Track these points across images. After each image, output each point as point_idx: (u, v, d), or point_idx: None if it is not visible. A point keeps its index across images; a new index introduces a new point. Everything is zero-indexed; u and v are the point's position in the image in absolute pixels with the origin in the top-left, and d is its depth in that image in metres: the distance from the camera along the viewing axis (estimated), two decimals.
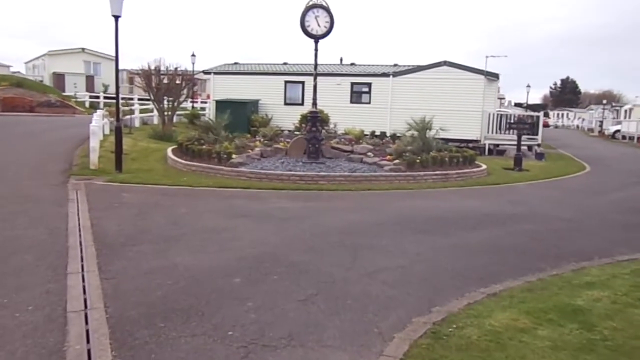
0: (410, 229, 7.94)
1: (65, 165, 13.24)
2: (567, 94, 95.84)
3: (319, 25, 13.53)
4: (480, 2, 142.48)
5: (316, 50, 13.78)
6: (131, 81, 41.83)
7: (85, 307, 4.53)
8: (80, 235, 6.80)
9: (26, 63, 53.34)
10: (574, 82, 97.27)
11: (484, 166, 15.56)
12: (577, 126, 64.27)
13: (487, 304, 4.84)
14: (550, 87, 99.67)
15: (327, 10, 13.51)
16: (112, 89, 43.24)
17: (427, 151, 14.76)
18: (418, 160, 14.03)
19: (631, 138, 39.02)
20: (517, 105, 59.75)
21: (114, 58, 42.30)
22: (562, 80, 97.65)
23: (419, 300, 4.93)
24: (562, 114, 77.69)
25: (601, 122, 53.27)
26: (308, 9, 13.46)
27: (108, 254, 6.04)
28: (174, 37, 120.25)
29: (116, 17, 12.33)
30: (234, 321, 4.31)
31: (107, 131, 19.49)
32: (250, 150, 14.89)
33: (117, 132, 12.84)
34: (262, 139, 16.73)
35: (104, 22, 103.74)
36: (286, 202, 9.91)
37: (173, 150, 15.90)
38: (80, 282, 5.13)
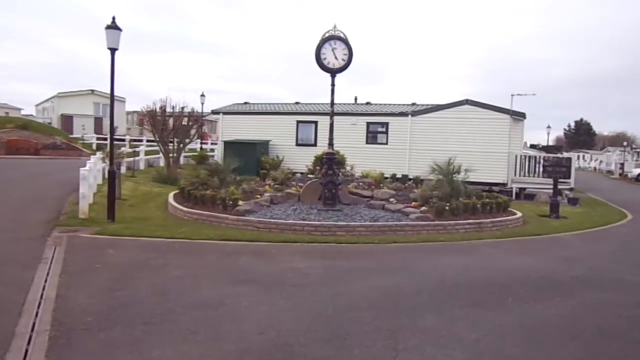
0: (458, 299, 6.30)
1: (52, 214, 11.82)
2: (581, 136, 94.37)
3: (336, 58, 12.26)
4: (486, 44, 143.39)
5: (333, 85, 12.48)
6: (141, 122, 41.19)
7: None
8: (36, 315, 5.25)
9: (36, 105, 53.28)
10: (588, 124, 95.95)
11: (519, 214, 13.91)
12: (595, 168, 62.53)
13: None
14: (565, 129, 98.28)
15: (345, 41, 12.27)
16: (120, 131, 42.58)
17: (456, 197, 13.19)
18: (447, 208, 12.45)
19: None
20: (533, 146, 58.35)
21: (123, 99, 41.63)
22: (576, 122, 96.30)
23: None
24: (578, 156, 76.15)
25: (622, 164, 51.51)
26: (324, 40, 12.24)
27: (63, 347, 4.47)
28: (186, 76, 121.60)
29: (112, 50, 11.17)
30: None
31: (106, 175, 18.21)
32: (259, 196, 13.42)
33: (110, 178, 11.45)
34: (272, 183, 15.29)
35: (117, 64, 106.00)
36: (300, 261, 8.32)
37: (175, 195, 14.48)
38: None
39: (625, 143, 57.80)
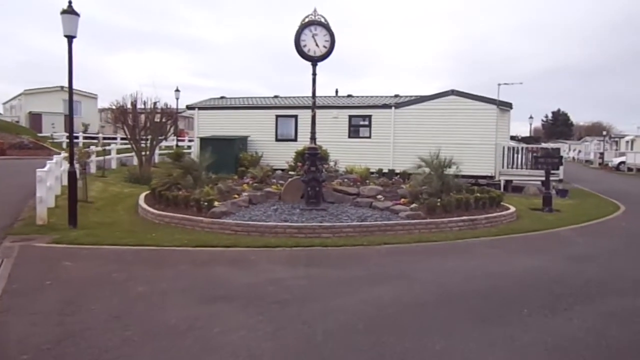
0: (467, 313, 5.47)
1: (6, 220, 10.67)
2: (559, 126, 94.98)
3: (317, 45, 11.33)
4: (466, 38, 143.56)
5: (314, 74, 11.54)
6: (116, 120, 39.54)
7: None
8: None
9: (4, 104, 51.17)
10: (565, 115, 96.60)
11: (513, 208, 13.21)
12: (574, 158, 62.86)
13: None
14: (542, 120, 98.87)
15: (326, 27, 11.33)
16: (92, 128, 40.99)
17: (447, 192, 12.42)
18: (439, 204, 11.66)
19: (639, 170, 37.32)
20: (512, 138, 58.23)
21: (95, 96, 39.71)
22: (554, 113, 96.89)
23: None
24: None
25: (601, 153, 51.70)
26: (304, 26, 11.29)
27: None
28: (163, 73, 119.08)
29: (70, 38, 10.07)
30: None
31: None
32: (236, 196, 12.44)
33: (70, 179, 10.37)
34: (250, 181, 14.31)
35: (86, 60, 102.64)
36: (283, 269, 7.41)
37: (146, 196, 13.42)
38: None
39: (604, 133, 58.10)
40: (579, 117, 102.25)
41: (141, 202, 12.79)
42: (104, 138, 35.44)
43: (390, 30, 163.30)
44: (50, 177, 12.10)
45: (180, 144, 36.82)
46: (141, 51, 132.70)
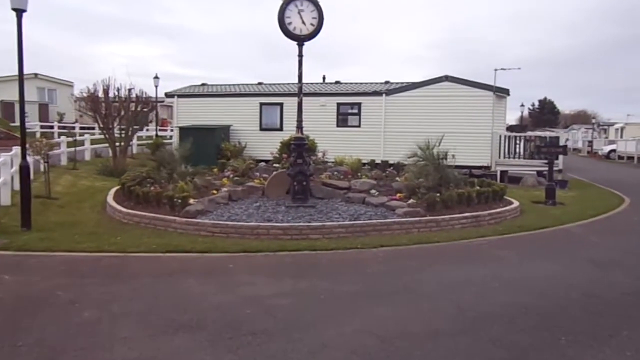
0: (493, 345, 4.37)
1: None
2: (545, 114, 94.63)
3: (303, 22, 10.09)
4: (445, 25, 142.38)
5: (300, 56, 10.31)
6: (92, 109, 37.81)
7: None
8: None
9: None
10: (552, 103, 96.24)
11: (516, 202, 12.19)
12: None
13: None
14: (529, 108, 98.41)
15: (314, 2, 10.08)
16: (68, 118, 39.24)
17: (446, 185, 11.36)
18: (438, 199, 10.58)
19: (630, 158, 36.70)
20: None
21: (72, 83, 37.57)
22: (540, 101, 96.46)
23: None
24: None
25: (590, 142, 51.22)
26: (289, 1, 10.03)
27: None
28: (146, 62, 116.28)
29: (19, 12, 8.75)
30: None
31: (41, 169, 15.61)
32: (215, 191, 11.24)
33: (22, 174, 9.09)
34: (231, 175, 13.09)
35: (62, 47, 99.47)
36: (264, 282, 6.26)
37: (116, 192, 12.15)
38: None
39: (593, 120, 57.63)
40: (564, 105, 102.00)
41: (109, 198, 11.54)
42: (82, 128, 33.82)
43: (376, 19, 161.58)
44: (4, 171, 10.79)
45: (162, 134, 35.39)
46: (125, 40, 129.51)
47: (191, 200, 10.04)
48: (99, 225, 9.79)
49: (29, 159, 14.15)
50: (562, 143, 19.56)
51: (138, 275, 6.51)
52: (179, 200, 9.88)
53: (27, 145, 13.64)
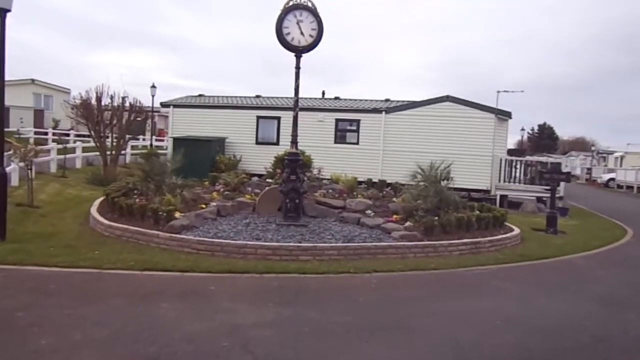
0: None
1: None
2: (544, 139, 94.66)
3: (302, 33, 9.69)
4: (444, 48, 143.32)
5: (297, 68, 9.90)
6: (84, 117, 37.26)
7: None
8: None
9: None
10: (551, 128, 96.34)
11: (517, 230, 11.72)
12: None
13: None
14: (528, 133, 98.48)
15: (313, 12, 9.69)
16: (63, 125, 38.80)
17: (445, 209, 10.88)
18: (436, 223, 10.10)
19: (629, 187, 36.33)
20: None
21: (68, 90, 37.19)
22: (540, 126, 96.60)
23: None
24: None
25: (589, 169, 50.89)
26: (287, 10, 9.63)
27: None
28: (147, 73, 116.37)
29: (3, 11, 8.33)
30: None
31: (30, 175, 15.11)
32: (203, 206, 10.74)
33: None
34: (222, 189, 12.59)
35: (62, 54, 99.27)
36: (246, 309, 5.74)
37: (101, 203, 11.64)
38: None
39: (593, 148, 57.43)
40: (562, 132, 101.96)
41: (93, 209, 11.01)
42: (78, 135, 33.34)
43: (376, 39, 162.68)
44: None
45: (160, 144, 34.96)
46: (126, 50, 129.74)
47: (177, 214, 9.53)
48: (78, 238, 9.25)
49: (14, 165, 13.75)
50: (564, 169, 19.19)
51: (109, 296, 5.97)
52: (164, 214, 9.37)
53: (12, 152, 13.21)
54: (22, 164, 12.40)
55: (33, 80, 38.54)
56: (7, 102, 34.52)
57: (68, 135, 33.90)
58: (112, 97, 17.93)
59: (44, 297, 5.85)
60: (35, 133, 33.26)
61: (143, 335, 4.76)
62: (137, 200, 10.28)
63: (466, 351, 4.73)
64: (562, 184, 18.22)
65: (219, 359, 4.26)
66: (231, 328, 5.05)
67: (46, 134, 33.42)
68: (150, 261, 7.66)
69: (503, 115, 18.71)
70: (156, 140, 37.38)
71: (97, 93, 17.49)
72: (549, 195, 18.05)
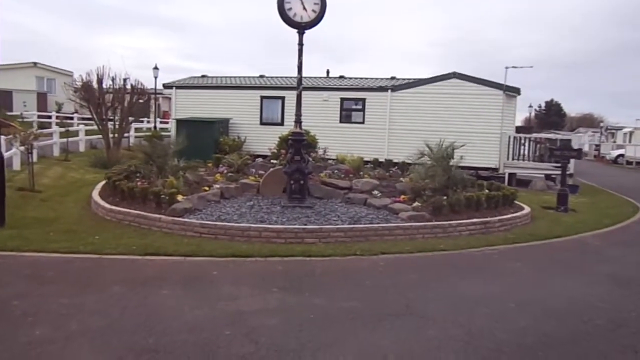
0: None
1: None
2: (552, 116, 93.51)
3: (305, 9, 9.33)
4: (451, 24, 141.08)
5: (301, 44, 9.56)
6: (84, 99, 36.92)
7: None
8: None
9: None
10: (558, 105, 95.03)
11: (527, 208, 11.45)
12: None
13: None
14: (535, 109, 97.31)
15: None
16: (67, 108, 38.57)
17: (453, 188, 10.62)
18: (445, 203, 9.85)
19: (638, 163, 35.87)
20: None
21: (71, 73, 36.76)
22: (547, 103, 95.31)
23: None
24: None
25: (597, 145, 50.21)
26: None
27: None
28: (151, 55, 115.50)
29: None
30: None
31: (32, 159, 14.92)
32: (207, 188, 10.53)
33: None
34: (225, 171, 12.37)
35: (65, 37, 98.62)
36: (250, 295, 5.55)
37: (103, 187, 11.45)
38: None
39: (601, 124, 56.63)
40: (569, 108, 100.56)
41: (94, 193, 10.84)
42: (82, 119, 33.16)
43: (381, 16, 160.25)
44: None
45: (164, 126, 34.73)
46: (129, 32, 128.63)
47: (179, 197, 9.33)
48: (79, 222, 9.09)
49: (15, 149, 13.57)
50: (574, 146, 18.79)
51: (108, 283, 5.79)
52: (166, 197, 9.17)
53: (12, 135, 13.00)
54: (22, 147, 12.21)
55: (35, 64, 38.23)
56: (9, 86, 34.32)
57: (72, 118, 33.73)
58: (113, 79, 17.69)
59: (40, 285, 5.67)
60: (39, 117, 33.14)
61: (142, 324, 4.58)
62: (139, 183, 10.09)
63: (477, 338, 4.51)
64: (572, 160, 17.86)
65: (221, 350, 4.07)
66: (234, 315, 4.86)
67: (50, 117, 33.27)
68: (152, 245, 7.48)
69: (511, 92, 18.27)
70: (161, 122, 37.16)
71: (98, 75, 17.24)
72: (558, 172, 17.72)
